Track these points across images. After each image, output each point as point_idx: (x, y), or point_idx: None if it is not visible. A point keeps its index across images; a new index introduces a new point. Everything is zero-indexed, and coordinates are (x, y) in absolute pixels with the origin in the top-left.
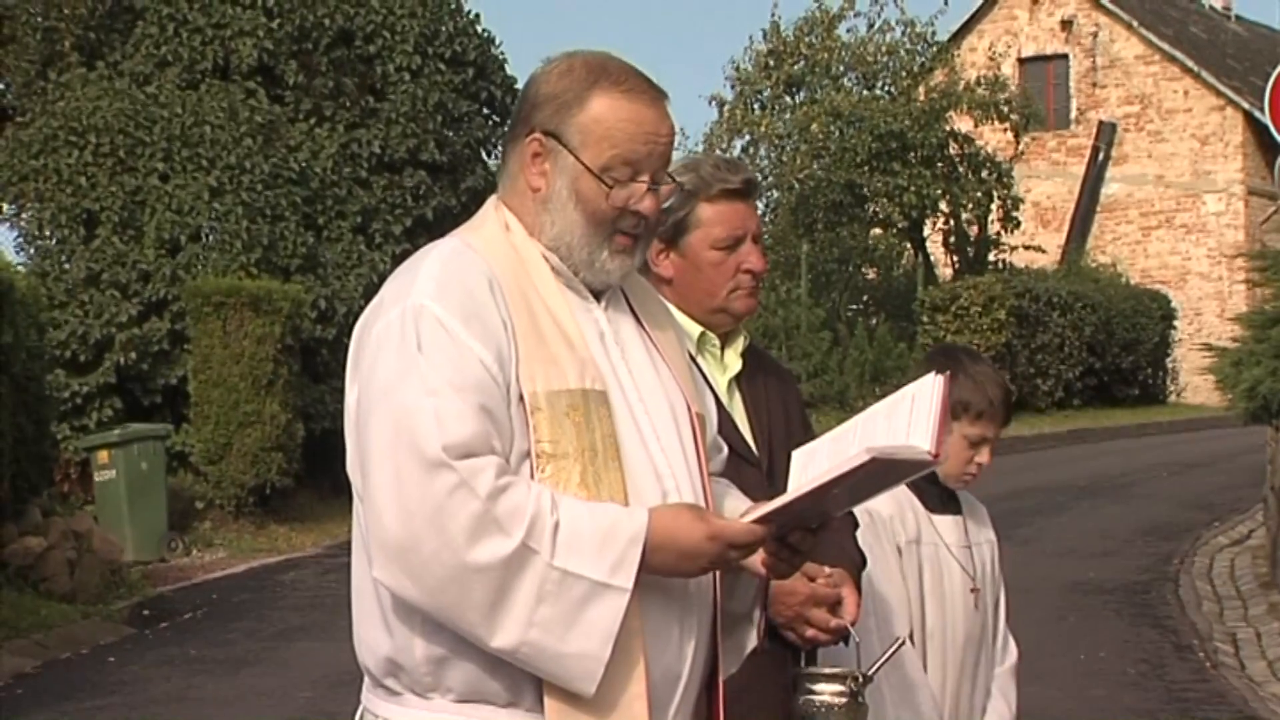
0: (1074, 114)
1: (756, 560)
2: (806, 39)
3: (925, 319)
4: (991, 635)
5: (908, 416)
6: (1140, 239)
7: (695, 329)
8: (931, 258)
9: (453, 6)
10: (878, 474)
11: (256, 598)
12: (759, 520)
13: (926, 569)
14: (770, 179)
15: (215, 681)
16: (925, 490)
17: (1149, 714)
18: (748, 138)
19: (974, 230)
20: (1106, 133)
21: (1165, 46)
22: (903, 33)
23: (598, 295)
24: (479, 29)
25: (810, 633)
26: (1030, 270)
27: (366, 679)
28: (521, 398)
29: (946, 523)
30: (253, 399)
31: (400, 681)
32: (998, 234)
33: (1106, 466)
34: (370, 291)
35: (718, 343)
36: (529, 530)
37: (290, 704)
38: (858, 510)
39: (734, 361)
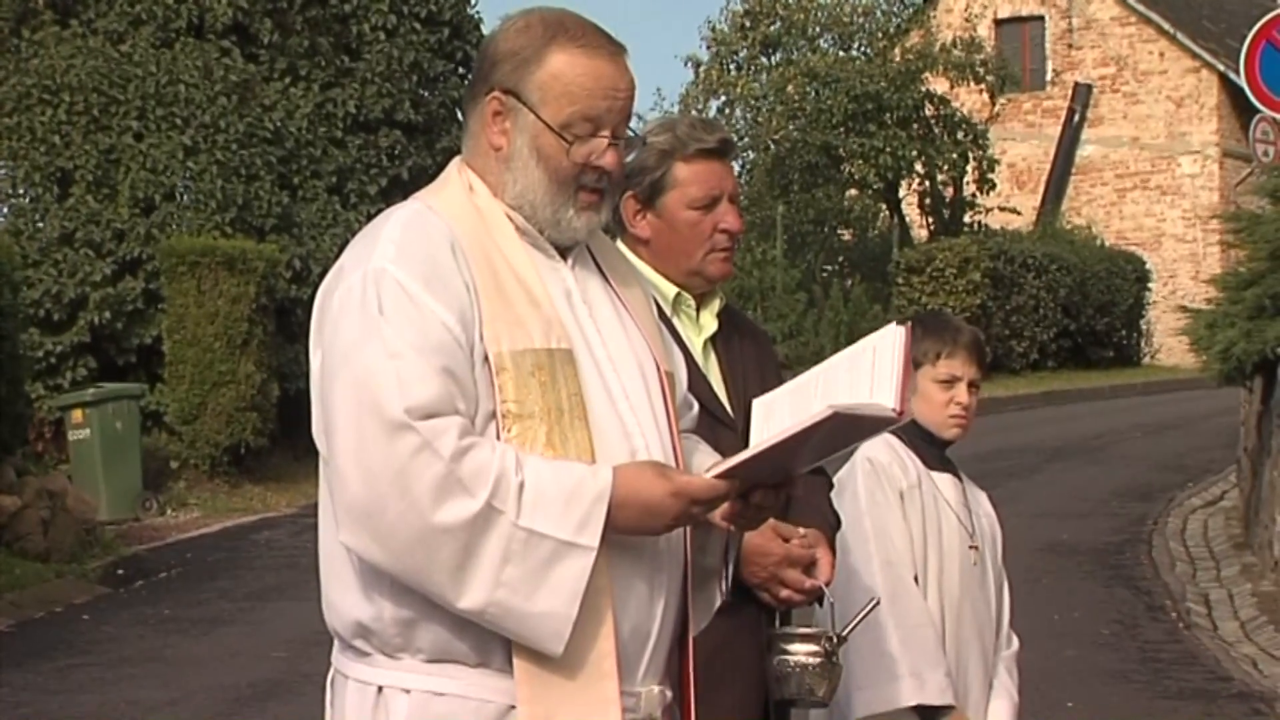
0: (1050, 75)
1: (718, 515)
2: (784, 0)
3: (900, 280)
4: (995, 609)
5: (870, 371)
6: (1115, 201)
7: (671, 290)
8: (907, 219)
9: None
10: (840, 430)
11: (231, 557)
12: (721, 475)
13: (927, 516)
14: (746, 140)
15: (189, 641)
16: (921, 448)
17: (1122, 674)
18: (724, 99)
19: (949, 192)
20: (1082, 94)
21: (1141, 8)
22: None
23: (564, 254)
24: None
25: (785, 593)
26: (1005, 232)
27: (336, 641)
28: (486, 358)
29: (945, 480)
30: (227, 359)
31: (369, 643)
32: (973, 196)
33: (1081, 428)
34: (345, 250)
35: (693, 303)
36: (494, 490)
37: (264, 663)
38: (860, 456)
39: (710, 322)
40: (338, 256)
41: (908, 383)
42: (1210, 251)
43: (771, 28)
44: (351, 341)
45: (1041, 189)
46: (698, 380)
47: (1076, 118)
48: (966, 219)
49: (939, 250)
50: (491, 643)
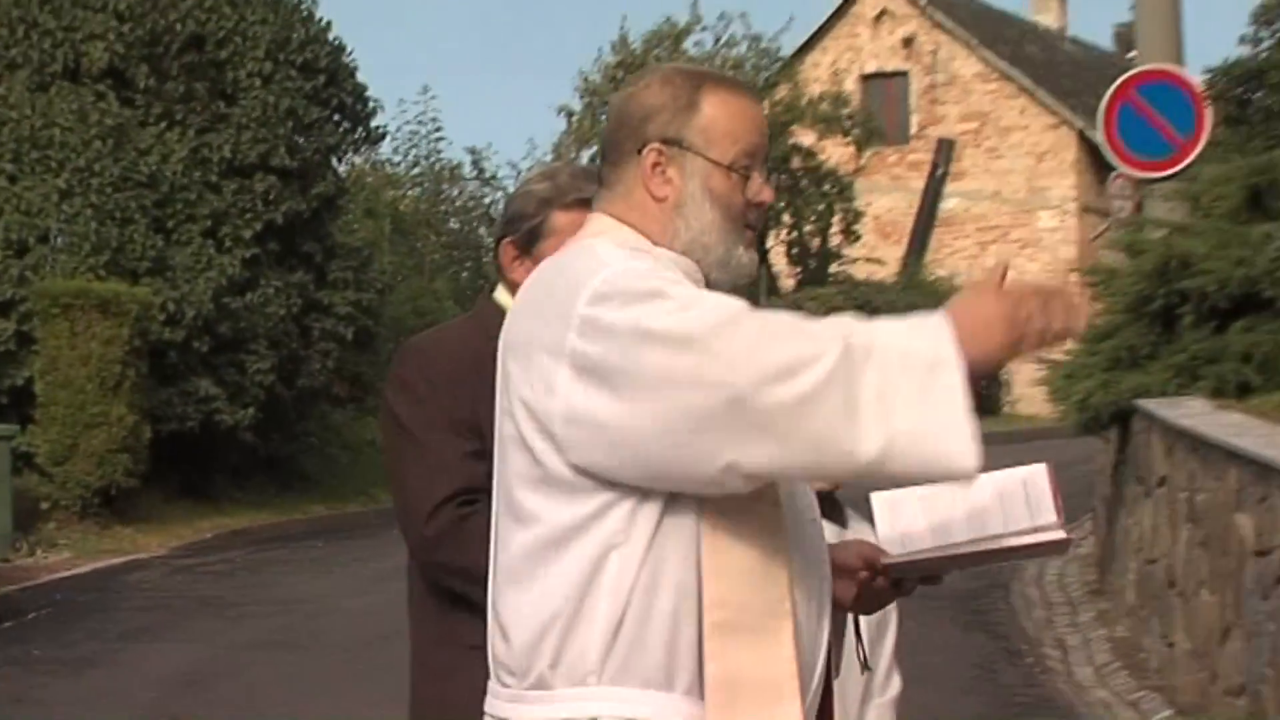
0: (914, 130)
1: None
2: (654, 52)
3: None
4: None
5: (1024, 501)
6: (977, 253)
7: None
8: (774, 269)
9: (304, 14)
10: (1005, 552)
11: (101, 598)
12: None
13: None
14: None
15: (59, 682)
16: None
17: (981, 717)
18: (595, 148)
19: (816, 242)
20: (945, 149)
21: (1002, 66)
22: (748, 48)
23: None
24: (330, 37)
25: None
26: (870, 282)
27: (502, 692)
28: None
29: (828, 528)
30: (99, 400)
31: (556, 673)
32: (839, 246)
33: None
34: (219, 294)
35: None
36: (846, 331)
37: (134, 705)
38: None
39: None
40: (213, 299)
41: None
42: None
43: None
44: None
45: (906, 241)
46: None
47: (939, 171)
48: (832, 269)
49: (806, 299)
50: (678, 662)
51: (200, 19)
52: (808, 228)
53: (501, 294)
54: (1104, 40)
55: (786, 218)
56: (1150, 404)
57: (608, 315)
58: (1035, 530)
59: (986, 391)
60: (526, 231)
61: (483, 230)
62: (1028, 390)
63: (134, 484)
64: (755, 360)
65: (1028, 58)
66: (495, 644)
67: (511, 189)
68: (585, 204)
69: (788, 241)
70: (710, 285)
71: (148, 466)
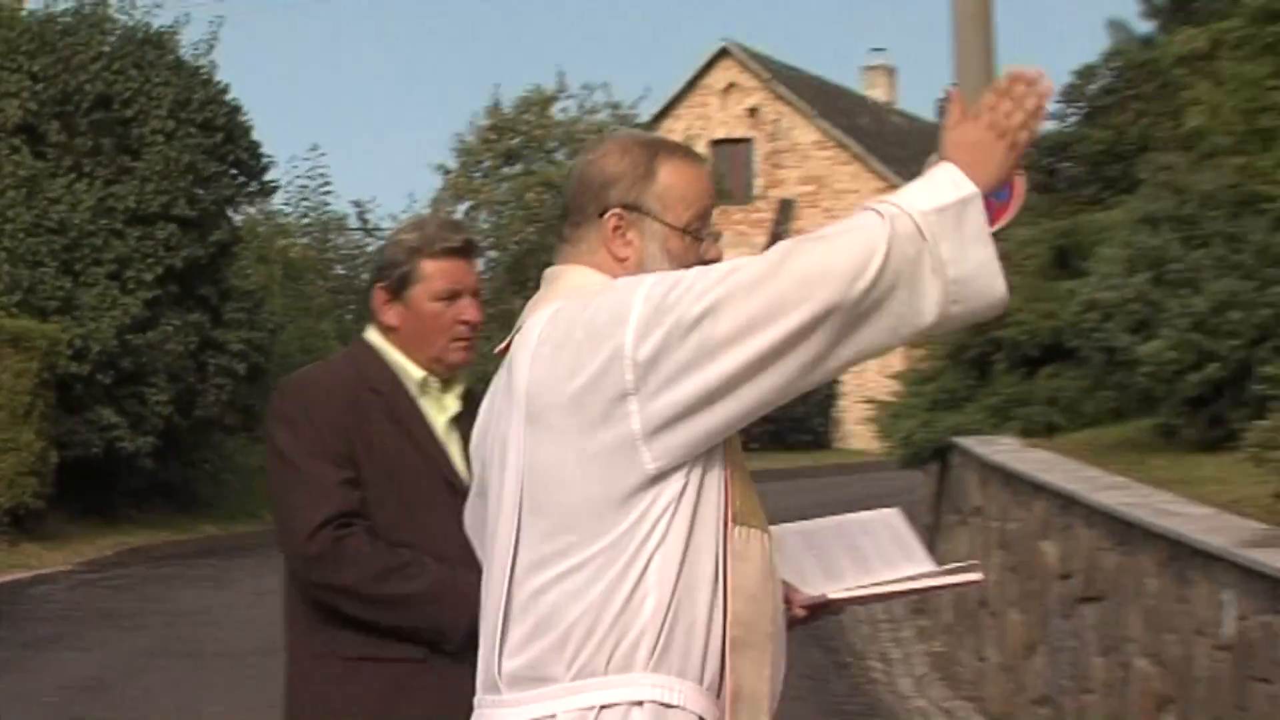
0: (757, 191)
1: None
2: (524, 116)
3: None
4: None
5: (893, 544)
6: None
7: (418, 373)
8: None
9: (204, 77)
10: (927, 590)
11: (8, 609)
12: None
13: None
14: (490, 241)
15: None
16: None
17: None
18: (470, 203)
19: None
20: (785, 208)
21: (837, 134)
22: (609, 114)
23: None
24: (228, 98)
25: None
26: None
27: (518, 686)
28: None
29: None
30: (10, 427)
31: (597, 659)
32: None
33: (782, 503)
34: (123, 331)
35: (438, 385)
36: (891, 219)
37: (39, 707)
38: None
39: (453, 404)
40: (116, 336)
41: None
42: (894, 350)
43: (513, 141)
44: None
45: None
46: (441, 455)
47: (780, 229)
48: None
49: None
50: (707, 661)
51: (108, 80)
52: None
53: (372, 334)
54: (928, 112)
55: None
56: (966, 441)
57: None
58: (955, 572)
59: (821, 428)
60: (397, 278)
61: (366, 276)
62: (857, 428)
63: (41, 505)
64: (828, 274)
65: (860, 127)
66: (526, 643)
67: None
68: (451, 253)
69: None
70: None
71: (54, 489)
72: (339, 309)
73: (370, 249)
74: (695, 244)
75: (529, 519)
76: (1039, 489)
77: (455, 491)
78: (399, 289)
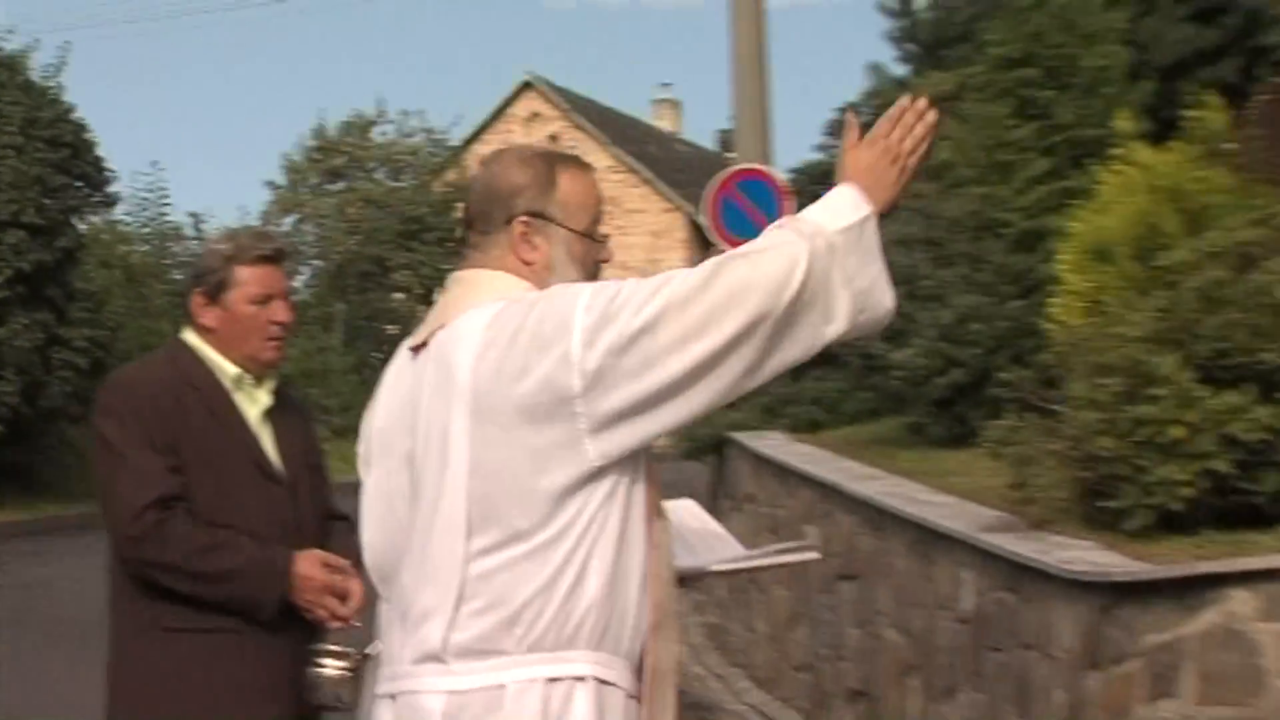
0: None
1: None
2: (347, 139)
3: None
4: None
5: (706, 528)
6: None
7: (233, 370)
8: None
9: (52, 97)
10: (771, 567)
11: None
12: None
13: None
14: (315, 250)
15: None
16: None
17: None
18: (297, 216)
19: None
20: None
21: (629, 160)
22: (424, 138)
23: None
24: (75, 116)
25: (322, 614)
26: None
27: (472, 653)
28: None
29: None
30: None
31: (546, 638)
32: None
33: None
34: None
35: (252, 381)
36: (809, 236)
37: None
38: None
39: (265, 398)
40: None
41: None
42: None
43: (336, 161)
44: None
45: None
46: (254, 444)
47: None
48: None
49: None
50: (635, 642)
51: None
52: None
53: (189, 335)
54: (709, 141)
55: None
56: (741, 436)
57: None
58: (792, 551)
59: None
60: (214, 283)
61: None
62: None
63: None
64: (755, 286)
65: (649, 154)
66: (476, 619)
67: None
68: (263, 259)
69: None
70: None
71: None
72: (175, 310)
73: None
74: (594, 245)
75: (478, 508)
76: (804, 479)
77: (267, 476)
78: (215, 293)
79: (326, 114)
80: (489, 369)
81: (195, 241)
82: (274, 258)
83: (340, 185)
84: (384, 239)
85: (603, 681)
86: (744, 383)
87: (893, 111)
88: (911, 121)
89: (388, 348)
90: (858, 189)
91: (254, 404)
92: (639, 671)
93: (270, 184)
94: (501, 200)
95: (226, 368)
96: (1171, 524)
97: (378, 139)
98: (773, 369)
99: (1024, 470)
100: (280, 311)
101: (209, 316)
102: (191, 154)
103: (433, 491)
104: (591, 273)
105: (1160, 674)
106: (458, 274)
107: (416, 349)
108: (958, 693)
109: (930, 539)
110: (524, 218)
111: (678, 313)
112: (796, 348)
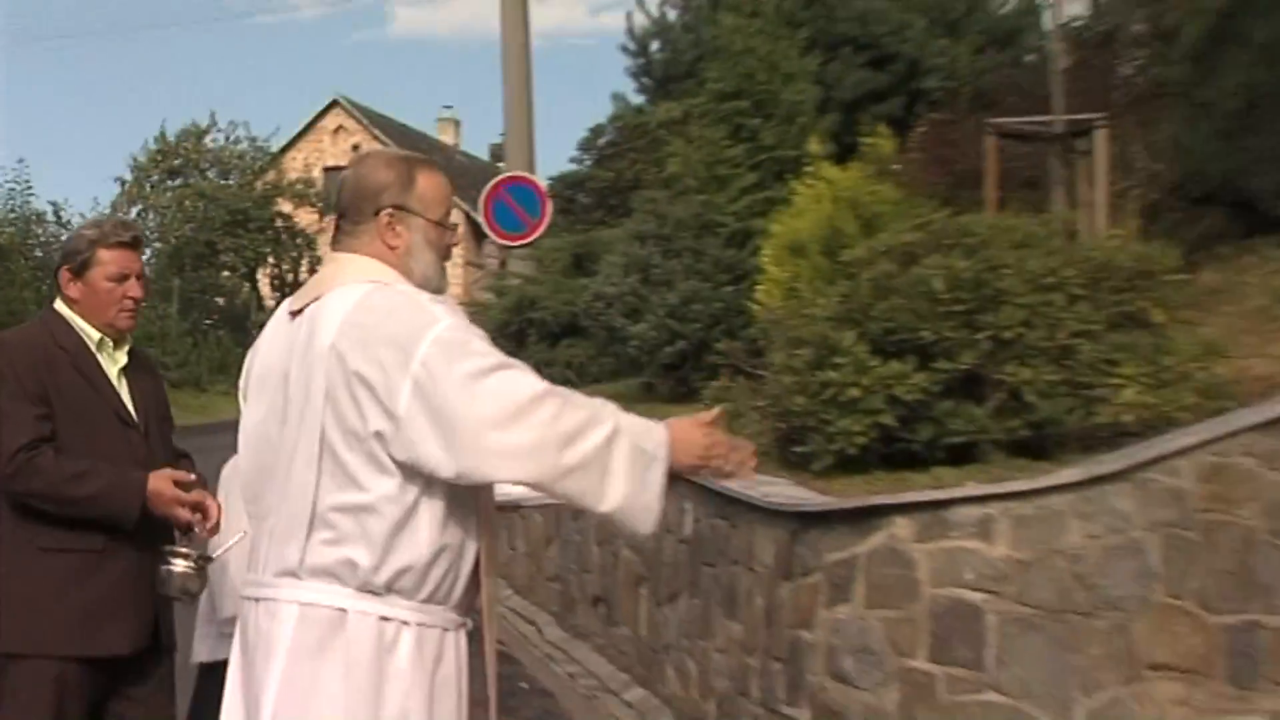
0: None
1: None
2: (184, 143)
3: (258, 332)
4: None
5: None
6: None
7: (96, 335)
8: (261, 294)
9: None
10: None
11: None
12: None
13: None
14: (156, 235)
15: None
16: None
17: None
18: (141, 206)
19: (291, 276)
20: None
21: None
22: (249, 144)
23: None
24: None
25: (181, 520)
26: None
27: (348, 589)
28: None
29: None
30: None
31: (392, 589)
32: (306, 280)
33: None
34: None
35: (111, 344)
36: (616, 419)
37: None
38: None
39: (122, 358)
40: None
41: None
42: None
43: (175, 162)
44: (478, 368)
45: None
46: (114, 396)
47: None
48: None
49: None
50: (455, 583)
51: None
52: (285, 266)
53: (60, 305)
54: (483, 154)
55: (271, 260)
56: None
57: (450, 362)
58: None
59: None
60: (80, 262)
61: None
62: None
63: None
64: (558, 424)
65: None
66: (326, 548)
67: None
68: (122, 245)
69: (271, 276)
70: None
71: None
72: (38, 283)
73: (64, 238)
74: (445, 232)
75: (328, 458)
76: None
77: (125, 423)
78: (80, 270)
79: (167, 123)
80: (347, 346)
81: (55, 225)
82: (132, 244)
83: (178, 182)
84: (214, 227)
85: (425, 625)
86: (496, 474)
87: (739, 443)
88: (735, 460)
89: (216, 316)
90: (673, 442)
91: (114, 363)
92: (470, 605)
93: (119, 180)
94: (370, 195)
95: (90, 332)
96: (849, 465)
97: (209, 144)
98: (547, 492)
99: (734, 422)
100: (134, 288)
101: (75, 289)
102: (52, 153)
103: (294, 433)
104: (443, 256)
105: (838, 584)
106: (334, 254)
107: (295, 313)
108: (679, 599)
109: None
110: (389, 210)
111: (497, 391)
112: (570, 489)
